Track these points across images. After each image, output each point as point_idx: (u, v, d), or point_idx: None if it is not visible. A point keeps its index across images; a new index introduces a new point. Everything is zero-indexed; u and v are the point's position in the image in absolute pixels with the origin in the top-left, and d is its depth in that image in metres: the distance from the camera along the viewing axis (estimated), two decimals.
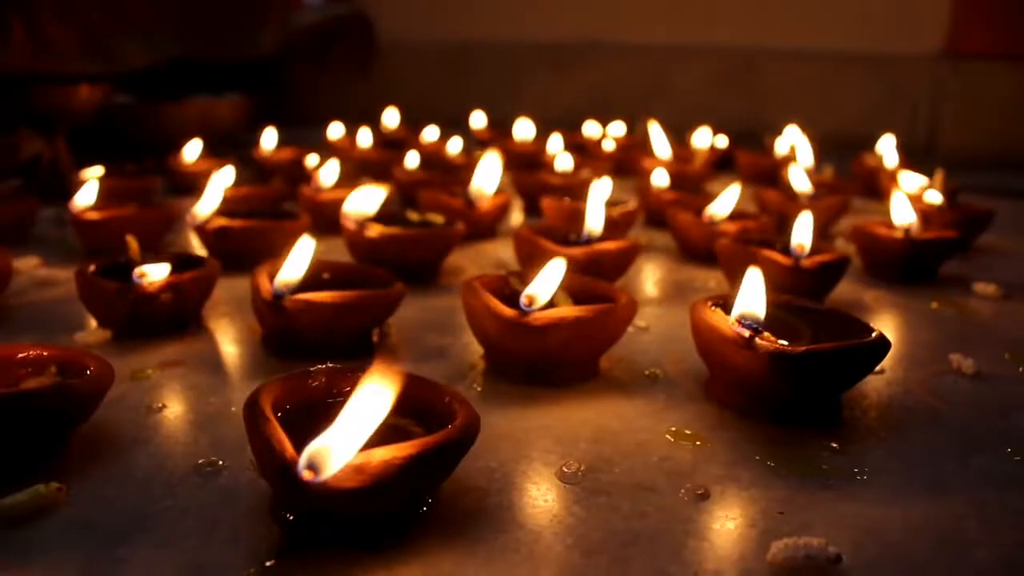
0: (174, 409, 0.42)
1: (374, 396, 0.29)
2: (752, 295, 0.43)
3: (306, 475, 0.28)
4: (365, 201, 0.61)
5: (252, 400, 0.32)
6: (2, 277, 0.56)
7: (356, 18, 1.47)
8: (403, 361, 0.49)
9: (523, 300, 0.43)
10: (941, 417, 0.44)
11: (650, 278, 0.68)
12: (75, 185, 0.84)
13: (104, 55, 1.20)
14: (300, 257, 0.47)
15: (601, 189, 0.68)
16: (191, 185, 0.94)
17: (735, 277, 0.60)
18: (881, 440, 0.42)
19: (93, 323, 0.54)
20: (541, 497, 0.35)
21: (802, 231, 0.58)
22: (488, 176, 0.73)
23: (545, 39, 1.54)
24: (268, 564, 0.30)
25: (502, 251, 0.74)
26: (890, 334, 0.57)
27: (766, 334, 0.41)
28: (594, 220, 0.59)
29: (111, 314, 0.51)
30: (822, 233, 0.82)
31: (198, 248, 0.74)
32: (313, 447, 0.28)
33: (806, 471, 0.38)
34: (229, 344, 0.52)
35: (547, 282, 0.44)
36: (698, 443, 0.40)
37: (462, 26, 1.57)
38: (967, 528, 0.34)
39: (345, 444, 0.28)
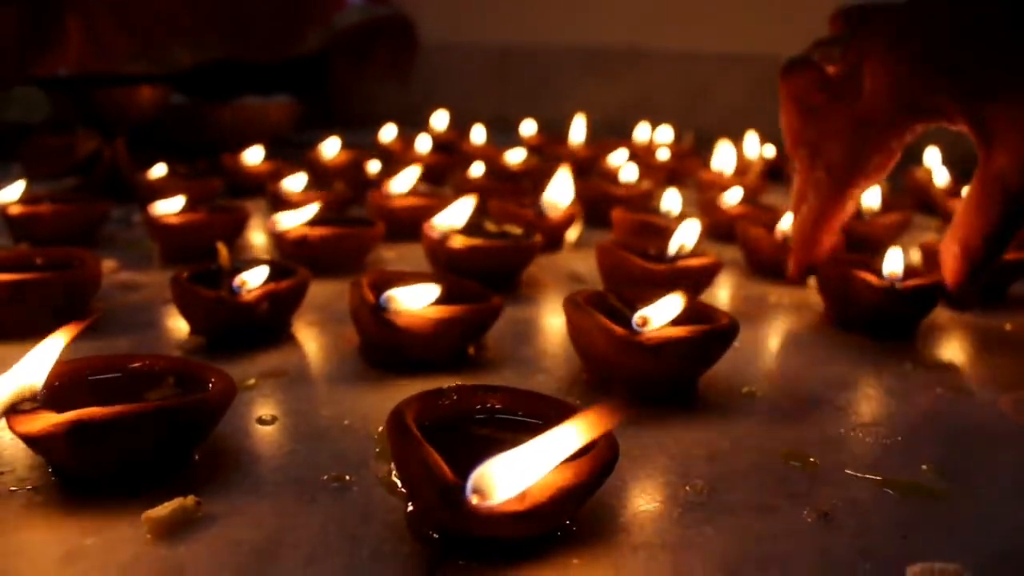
0: (285, 421, 0.43)
1: (568, 434, 0.30)
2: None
3: (475, 500, 0.28)
4: (454, 214, 0.61)
5: (400, 422, 0.33)
6: (93, 283, 0.57)
7: (398, 19, 1.48)
8: (506, 377, 0.49)
9: (636, 320, 0.43)
10: None
11: (725, 294, 0.68)
12: (139, 185, 0.85)
13: (154, 57, 1.21)
14: (423, 293, 0.48)
15: (672, 202, 0.69)
16: (249, 186, 0.95)
17: (831, 296, 0.61)
18: (983, 464, 0.42)
19: (183, 327, 0.54)
20: (672, 515, 0.35)
21: (895, 260, 0.59)
22: (562, 191, 0.73)
23: (586, 43, 1.54)
24: None
25: (575, 263, 0.74)
26: (971, 355, 0.58)
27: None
28: (685, 238, 0.60)
29: (208, 322, 0.52)
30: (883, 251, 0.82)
31: (261, 250, 0.75)
32: (479, 473, 0.29)
33: (917, 492, 0.39)
34: (326, 354, 0.52)
35: (664, 311, 0.44)
36: (800, 464, 0.41)
37: (503, 29, 1.57)
38: None
39: (521, 473, 0.29)
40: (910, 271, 0.60)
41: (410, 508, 0.34)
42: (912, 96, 0.49)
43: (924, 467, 0.41)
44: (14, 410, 0.35)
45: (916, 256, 0.78)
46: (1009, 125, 0.46)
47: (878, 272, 0.60)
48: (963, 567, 0.32)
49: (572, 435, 0.31)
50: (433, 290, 0.48)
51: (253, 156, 0.97)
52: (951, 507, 0.37)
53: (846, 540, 0.35)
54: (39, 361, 0.36)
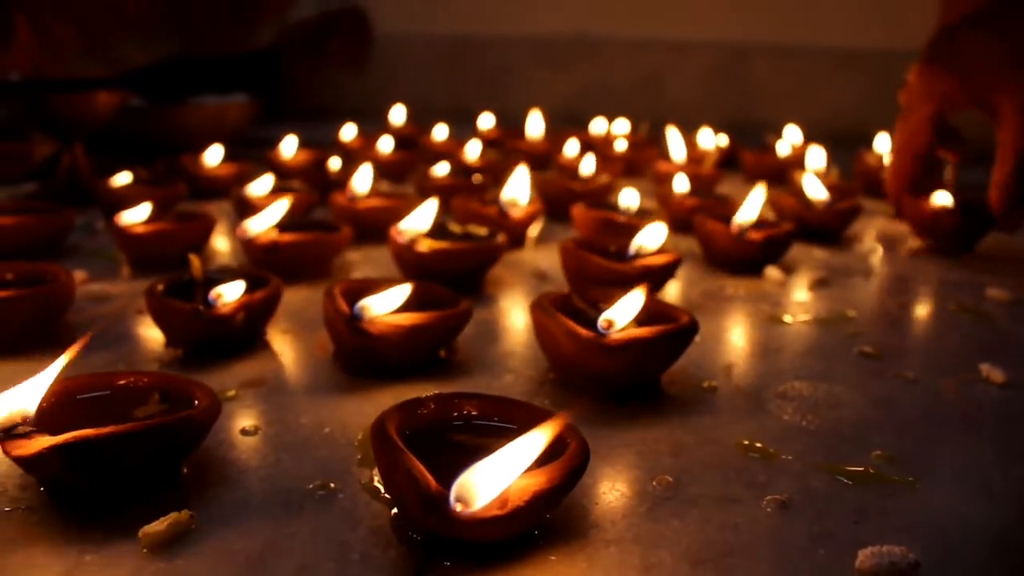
0: (268, 431, 0.44)
1: (531, 439, 0.32)
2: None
3: (458, 507, 0.30)
4: (420, 218, 0.63)
5: (383, 433, 0.34)
6: (68, 296, 0.58)
7: (352, 12, 1.48)
8: (476, 379, 0.51)
9: (601, 323, 0.45)
10: (979, 427, 0.48)
11: (683, 288, 0.70)
12: (101, 192, 0.85)
13: (106, 54, 1.20)
14: (394, 296, 0.49)
15: (630, 198, 0.71)
16: (211, 188, 0.95)
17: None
18: (928, 449, 0.45)
19: (158, 338, 0.55)
20: (640, 510, 0.38)
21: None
22: (520, 188, 0.75)
23: (538, 33, 1.55)
24: None
25: (538, 260, 0.76)
26: (918, 338, 0.61)
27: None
28: (648, 240, 0.62)
29: (184, 334, 0.53)
30: (839, 237, 0.85)
31: (226, 255, 0.76)
32: (461, 482, 0.31)
33: (867, 480, 0.42)
34: (301, 362, 0.54)
35: (627, 311, 0.46)
36: (759, 455, 0.43)
37: (456, 20, 1.58)
38: (1020, 532, 0.37)
39: (497, 479, 0.31)
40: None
41: (394, 512, 0.36)
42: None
43: (876, 454, 0.44)
44: (7, 434, 0.36)
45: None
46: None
47: None
48: (910, 549, 0.34)
49: (541, 440, 0.33)
50: (404, 289, 0.50)
51: (213, 156, 0.98)
52: (895, 494, 0.40)
53: (802, 527, 0.37)
54: (35, 386, 0.37)
